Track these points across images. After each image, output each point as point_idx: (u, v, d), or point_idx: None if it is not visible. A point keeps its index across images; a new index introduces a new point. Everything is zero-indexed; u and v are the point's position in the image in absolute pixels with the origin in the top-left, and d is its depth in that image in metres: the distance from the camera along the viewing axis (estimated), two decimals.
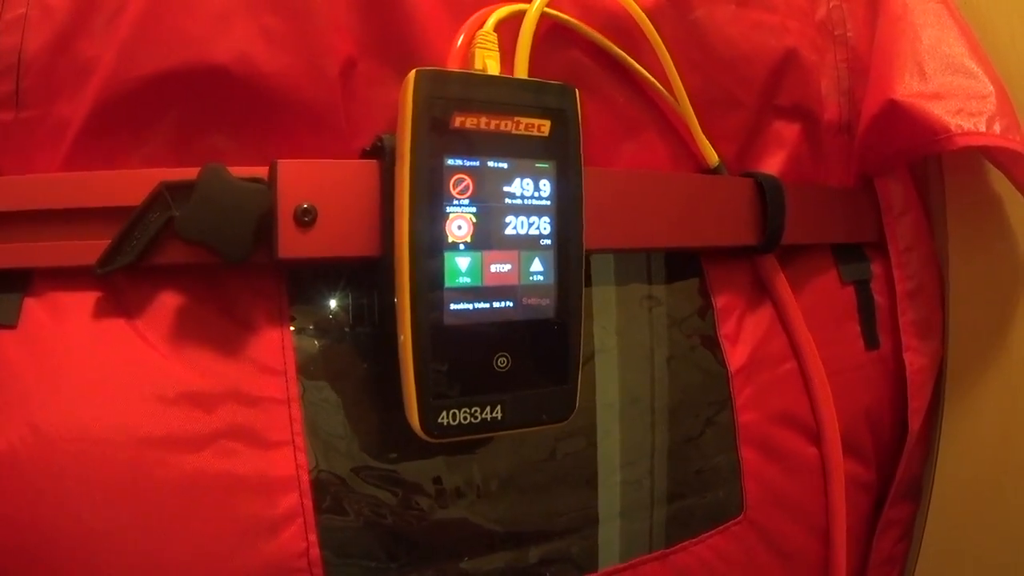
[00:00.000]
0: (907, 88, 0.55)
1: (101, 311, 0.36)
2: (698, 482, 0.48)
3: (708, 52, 0.49)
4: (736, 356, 0.50)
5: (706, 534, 0.48)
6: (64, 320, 0.36)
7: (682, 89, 0.47)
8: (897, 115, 0.54)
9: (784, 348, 0.53)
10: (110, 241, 0.35)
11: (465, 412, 0.34)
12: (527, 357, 0.36)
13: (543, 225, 0.36)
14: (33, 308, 0.36)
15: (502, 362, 0.35)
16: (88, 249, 0.35)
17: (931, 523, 0.67)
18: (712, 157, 0.49)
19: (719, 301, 0.50)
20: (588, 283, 0.45)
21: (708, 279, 0.50)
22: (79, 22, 0.37)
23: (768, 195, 0.49)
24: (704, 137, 0.49)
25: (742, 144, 0.52)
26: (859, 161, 0.59)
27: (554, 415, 0.37)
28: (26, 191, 0.36)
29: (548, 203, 0.36)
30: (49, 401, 0.35)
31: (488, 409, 0.35)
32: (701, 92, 0.49)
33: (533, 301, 0.36)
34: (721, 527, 0.49)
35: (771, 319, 0.53)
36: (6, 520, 0.34)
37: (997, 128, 0.53)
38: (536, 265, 0.36)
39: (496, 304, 0.35)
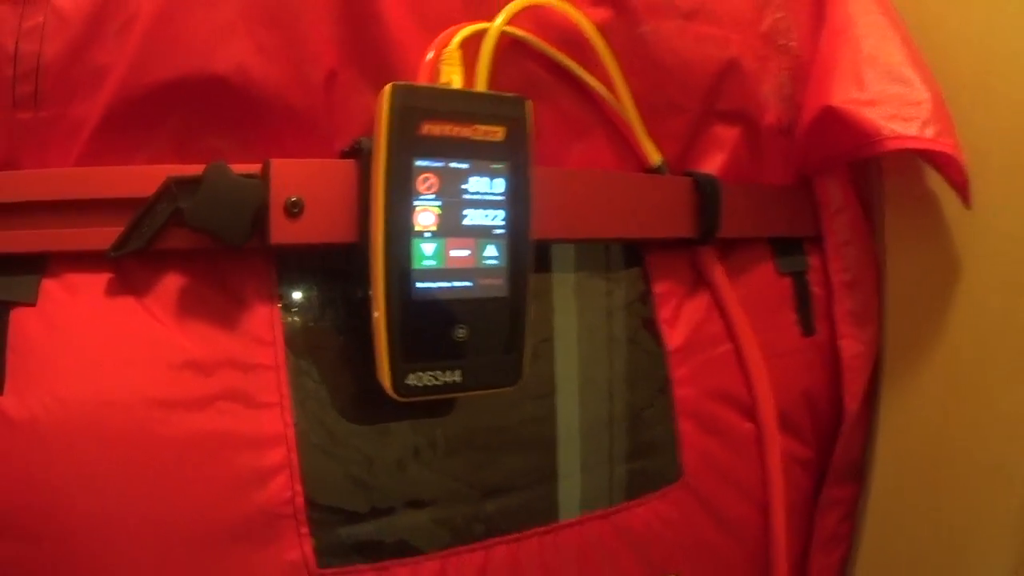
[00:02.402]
0: (844, 95, 0.64)
1: (112, 290, 0.45)
2: (643, 450, 0.59)
3: (654, 62, 0.59)
4: (673, 337, 0.61)
5: (647, 496, 0.59)
6: (79, 298, 0.45)
7: (628, 96, 0.57)
8: (834, 120, 0.64)
9: (721, 332, 0.63)
10: (121, 228, 0.44)
11: (429, 375, 0.44)
12: (482, 329, 0.46)
13: (497, 217, 0.46)
14: (51, 288, 0.44)
15: (461, 333, 0.45)
16: (100, 235, 0.44)
17: (872, 504, 0.77)
18: (654, 157, 0.59)
19: (658, 288, 0.61)
20: (549, 268, 0.56)
21: (649, 268, 0.61)
22: (92, 32, 0.45)
23: (705, 192, 0.59)
24: (647, 139, 0.59)
25: (684, 146, 0.62)
26: (798, 162, 0.70)
27: (504, 380, 0.47)
28: (45, 183, 0.44)
29: (502, 198, 0.46)
30: (67, 370, 0.43)
31: (449, 373, 0.45)
32: (646, 98, 0.59)
33: (487, 281, 0.46)
34: (660, 491, 0.59)
35: (708, 305, 0.63)
36: (25, 481, 0.42)
37: (929, 132, 0.62)
38: (490, 251, 0.46)
39: (456, 283, 0.45)
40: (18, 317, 0.44)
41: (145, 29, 0.45)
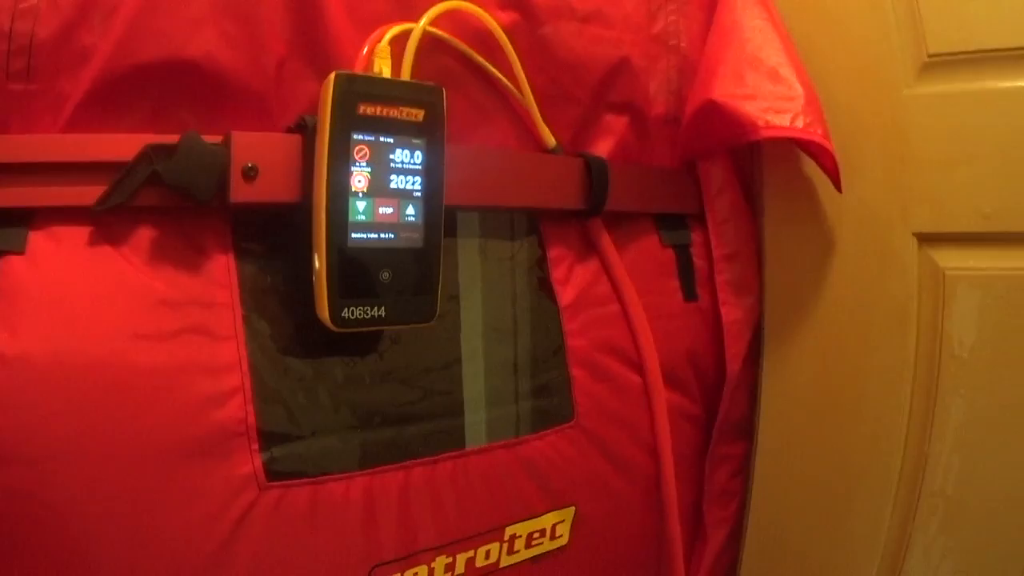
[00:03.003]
0: (725, 90, 0.82)
1: (93, 241, 0.59)
2: (542, 391, 0.76)
3: (553, 59, 0.76)
4: (565, 295, 0.78)
5: (544, 432, 0.76)
6: (64, 248, 0.58)
7: (527, 87, 0.74)
8: (714, 111, 0.81)
9: (609, 293, 0.81)
10: (101, 188, 0.57)
11: (360, 310, 0.60)
12: (403, 273, 0.62)
13: (416, 182, 0.62)
14: (38, 239, 0.58)
15: (386, 276, 0.61)
16: (83, 193, 0.58)
17: (759, 459, 0.95)
18: (550, 140, 0.77)
19: (552, 252, 0.78)
20: (455, 234, 0.72)
21: (544, 235, 0.78)
22: (81, 16, 0.58)
23: (593, 170, 0.77)
24: (544, 124, 0.76)
25: (577, 131, 0.80)
26: (683, 148, 0.88)
27: (421, 316, 0.64)
28: (34, 146, 0.58)
29: (419, 167, 0.63)
30: (53, 310, 0.57)
31: (376, 308, 0.61)
32: (545, 90, 0.76)
33: (407, 234, 0.62)
34: (555, 428, 0.77)
35: (597, 269, 0.81)
36: (14, 409, 0.55)
37: (799, 123, 0.80)
38: (410, 210, 0.63)
39: (382, 235, 0.61)
40: (8, 264, 0.57)
41: (128, 17, 0.59)
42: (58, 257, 0.59)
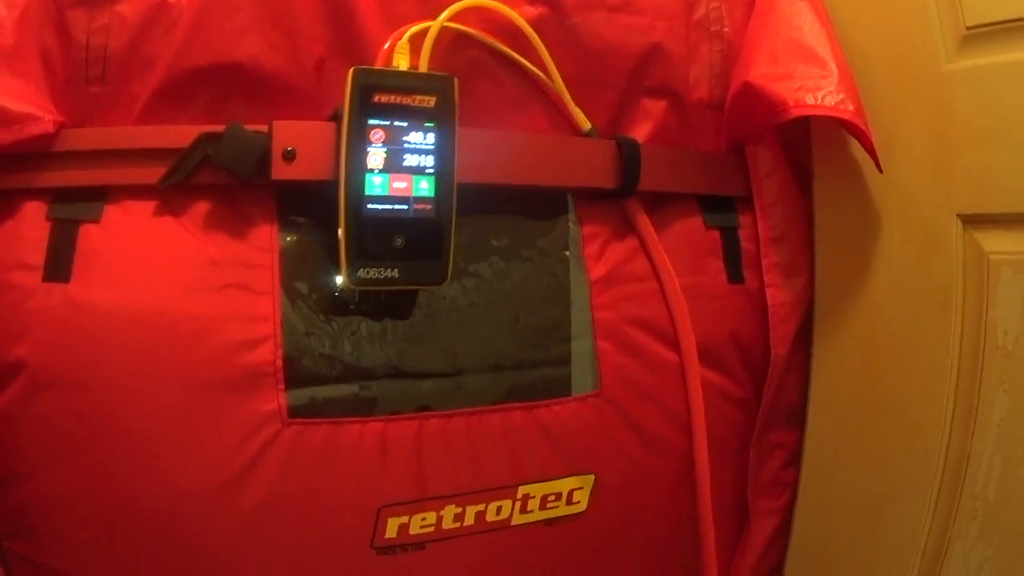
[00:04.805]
0: (760, 71, 0.96)
1: (157, 212, 0.81)
2: (564, 361, 0.94)
3: (583, 47, 0.94)
4: (596, 270, 0.95)
5: (565, 398, 0.93)
6: (132, 217, 0.81)
7: (557, 75, 0.92)
8: (750, 93, 0.96)
9: (646, 271, 0.97)
10: (164, 169, 0.79)
11: (375, 271, 0.80)
12: (415, 240, 0.81)
13: (427, 161, 0.81)
14: (111, 210, 0.81)
15: (399, 242, 0.80)
16: (149, 173, 0.80)
17: (808, 449, 1.05)
18: (584, 124, 0.94)
19: (585, 230, 0.95)
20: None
21: (579, 214, 0.95)
22: (145, 32, 0.81)
23: (624, 152, 0.94)
24: (577, 110, 0.93)
25: (614, 116, 0.97)
26: (727, 131, 1.03)
27: (433, 279, 0.83)
28: (110, 136, 0.81)
29: (432, 147, 0.82)
30: (121, 267, 0.79)
31: (389, 270, 0.80)
32: (577, 77, 0.94)
33: (419, 206, 0.82)
34: (578, 396, 0.93)
35: (634, 248, 0.97)
36: (83, 345, 0.77)
37: (830, 101, 0.92)
38: (423, 184, 0.82)
39: (396, 206, 0.81)
40: (86, 231, 0.80)
41: (185, 30, 0.81)
42: (127, 225, 0.81)
